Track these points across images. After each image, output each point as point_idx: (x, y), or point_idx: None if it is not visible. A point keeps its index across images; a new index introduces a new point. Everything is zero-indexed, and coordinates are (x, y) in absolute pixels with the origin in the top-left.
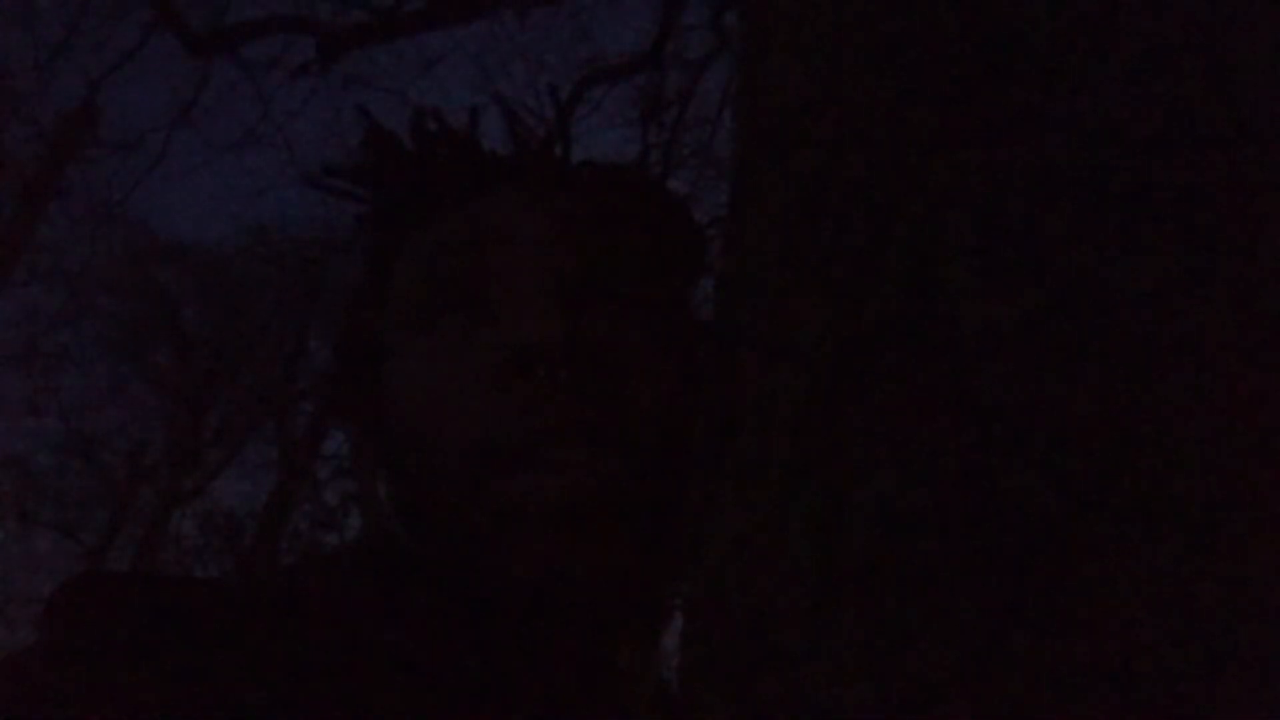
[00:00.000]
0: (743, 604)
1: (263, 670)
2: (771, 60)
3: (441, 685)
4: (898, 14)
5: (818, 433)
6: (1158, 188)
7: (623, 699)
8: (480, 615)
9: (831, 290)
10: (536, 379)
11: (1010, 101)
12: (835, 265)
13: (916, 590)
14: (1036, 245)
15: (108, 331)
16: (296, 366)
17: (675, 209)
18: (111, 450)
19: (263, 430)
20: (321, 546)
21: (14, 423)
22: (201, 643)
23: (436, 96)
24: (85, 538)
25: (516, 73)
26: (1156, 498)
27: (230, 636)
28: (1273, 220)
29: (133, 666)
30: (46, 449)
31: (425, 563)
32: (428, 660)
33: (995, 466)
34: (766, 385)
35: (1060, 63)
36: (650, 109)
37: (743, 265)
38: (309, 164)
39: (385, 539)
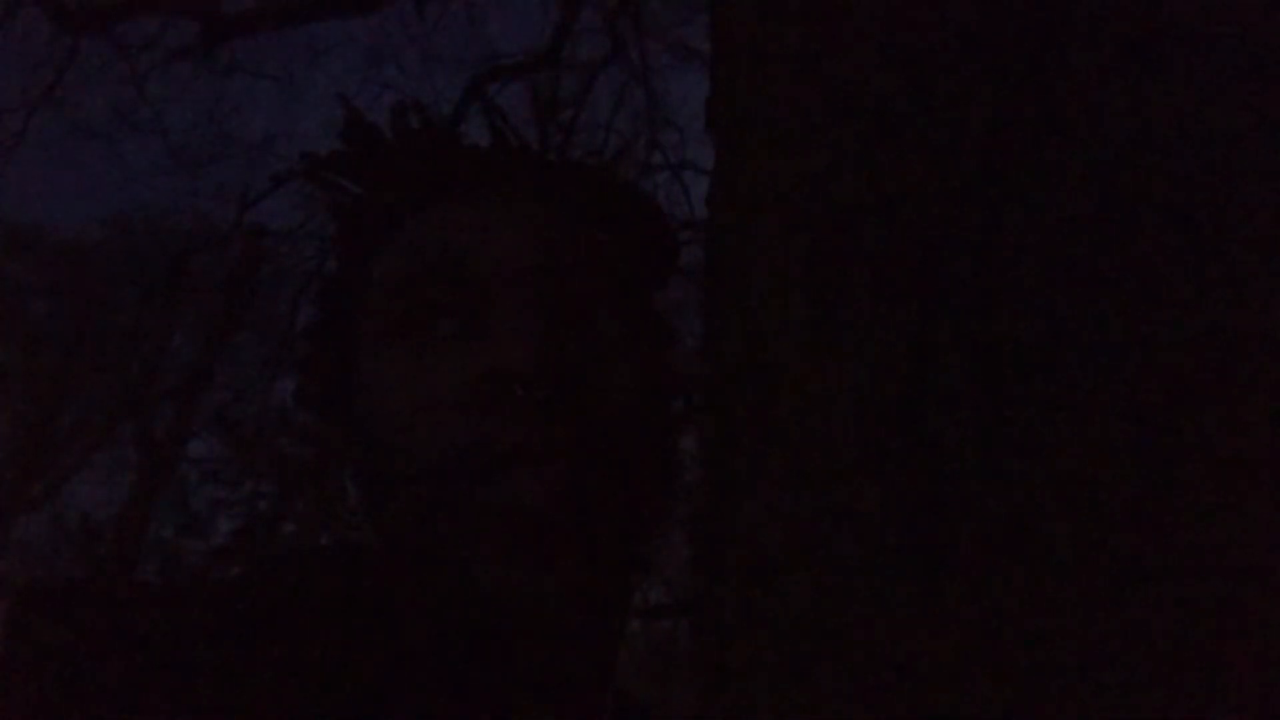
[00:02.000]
0: (808, 595)
1: (226, 676)
2: (769, 59)
3: (401, 690)
4: (931, 10)
5: (889, 424)
6: (1223, 187)
7: (588, 699)
8: (441, 620)
9: (885, 294)
10: (514, 400)
11: (1060, 109)
12: (886, 273)
13: (1020, 572)
14: (1103, 243)
15: None
16: (159, 365)
17: (651, 211)
18: None
19: (121, 431)
20: (305, 546)
21: None
22: (155, 650)
23: (325, 87)
24: None
25: (409, 65)
26: (1236, 472)
27: (191, 643)
28: None
29: (93, 677)
30: None
31: (391, 563)
32: (387, 665)
33: (1091, 463)
34: (816, 386)
35: (1110, 70)
36: (546, 109)
37: (758, 278)
38: (184, 152)
39: (348, 539)
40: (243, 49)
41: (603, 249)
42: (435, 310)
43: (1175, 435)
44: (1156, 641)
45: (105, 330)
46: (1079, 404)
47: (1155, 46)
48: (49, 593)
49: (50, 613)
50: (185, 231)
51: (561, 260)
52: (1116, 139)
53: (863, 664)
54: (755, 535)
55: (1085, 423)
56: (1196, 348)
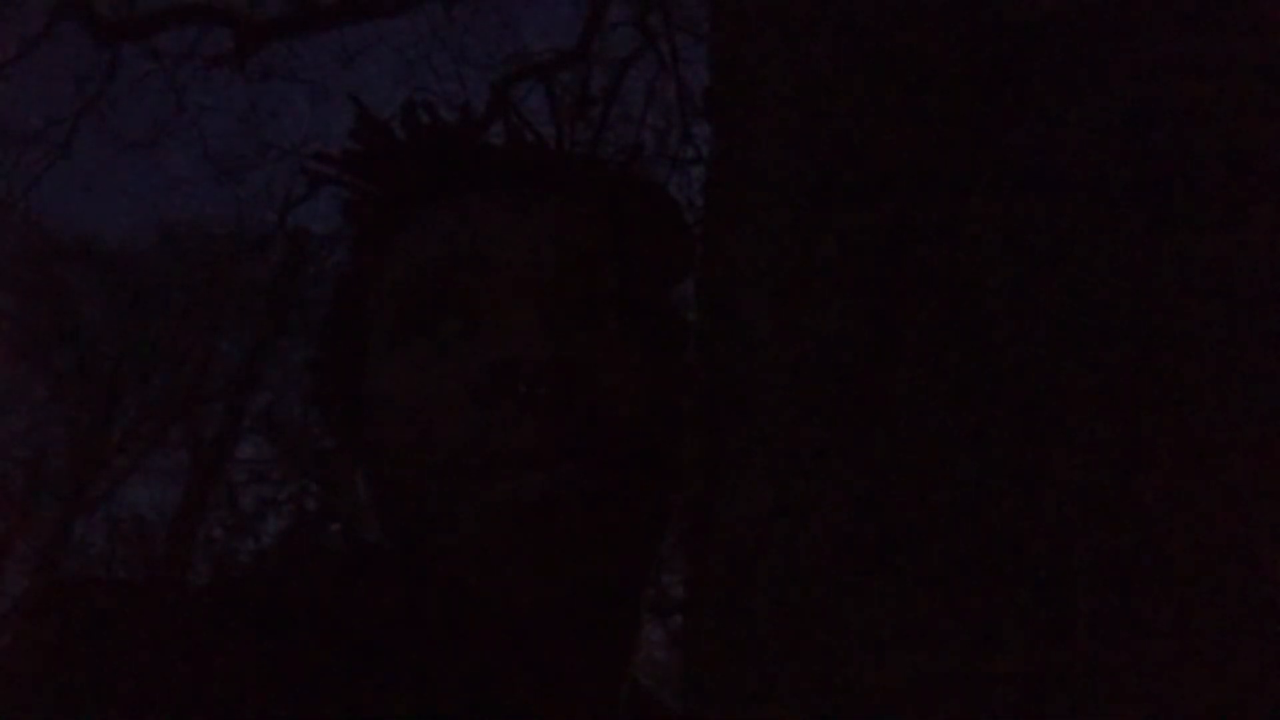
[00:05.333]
0: (780, 580)
1: (241, 673)
2: (759, 47)
3: (415, 686)
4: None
5: (854, 410)
6: (1175, 181)
7: (600, 700)
8: (453, 617)
9: (852, 279)
10: (517, 395)
11: (1026, 94)
12: (854, 256)
13: (971, 548)
14: (1059, 234)
15: (5, 332)
16: (207, 369)
17: (667, 207)
18: (10, 457)
19: (172, 434)
20: (300, 545)
21: None
22: (176, 646)
23: (358, 90)
24: None
25: (440, 66)
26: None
27: (207, 640)
28: None
29: (106, 670)
30: None
31: (401, 563)
32: (405, 663)
33: (1040, 439)
34: (784, 373)
35: (1076, 55)
36: (576, 106)
37: (739, 260)
38: (224, 159)
39: (359, 539)
40: (276, 55)
41: (615, 245)
42: (442, 307)
43: (1139, 422)
44: (1119, 632)
45: (154, 335)
46: (1044, 392)
47: (1120, 40)
48: (65, 588)
49: (63, 607)
50: (229, 236)
51: (570, 257)
52: (1083, 124)
53: (829, 646)
54: (734, 526)
55: (1051, 411)
56: (1161, 334)
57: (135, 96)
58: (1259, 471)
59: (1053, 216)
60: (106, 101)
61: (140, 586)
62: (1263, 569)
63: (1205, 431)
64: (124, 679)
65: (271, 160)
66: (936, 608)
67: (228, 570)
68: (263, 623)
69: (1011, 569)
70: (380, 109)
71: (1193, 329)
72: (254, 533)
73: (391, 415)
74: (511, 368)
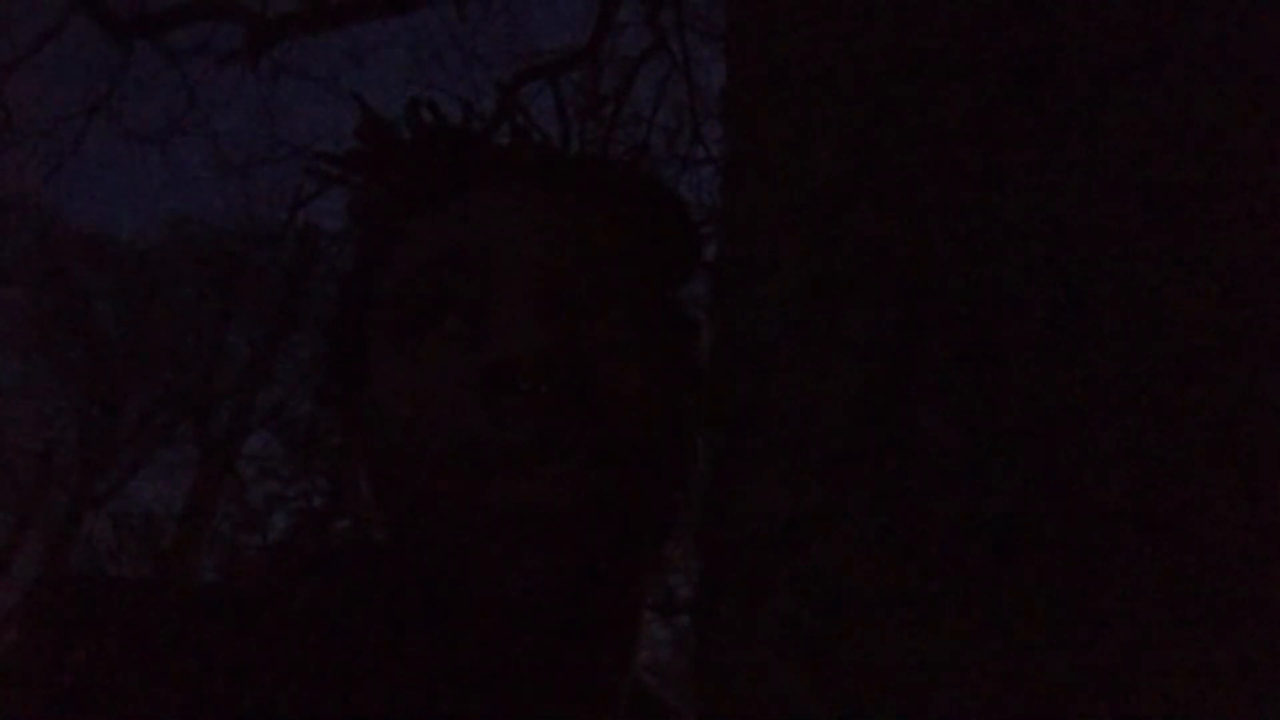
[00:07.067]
0: (795, 589)
1: (244, 672)
2: (776, 52)
3: (419, 687)
4: (929, 7)
5: (873, 418)
6: (1207, 192)
7: (601, 701)
8: (458, 617)
9: (872, 284)
10: (519, 393)
11: (1055, 103)
12: (874, 261)
13: (993, 560)
14: (1094, 237)
15: (16, 326)
16: (216, 364)
17: (674, 206)
18: (19, 450)
19: (181, 429)
20: (306, 544)
21: None
22: (181, 645)
23: (369, 87)
24: None
25: (451, 64)
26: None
27: (210, 639)
28: None
29: (110, 669)
30: None
31: (403, 563)
32: (405, 662)
33: (1068, 450)
34: (808, 377)
35: (1107, 65)
36: (587, 105)
37: (756, 265)
38: (235, 156)
39: (364, 538)
40: (288, 53)
41: (619, 243)
42: (445, 305)
43: (1169, 429)
44: (1146, 638)
45: (164, 330)
46: (1069, 397)
47: (1150, 47)
48: (66, 586)
49: (64, 606)
50: (239, 232)
51: (573, 255)
52: (1110, 134)
53: (843, 656)
54: (748, 535)
55: (1076, 416)
56: (1190, 342)
57: (147, 93)
58: None
59: (1088, 219)
60: (118, 98)
61: (140, 584)
62: None
63: (1243, 446)
64: (124, 677)
65: (282, 157)
66: (957, 621)
67: (232, 567)
68: (263, 621)
69: (1036, 582)
70: (391, 107)
71: (1238, 340)
72: (262, 528)
73: (393, 413)
74: (513, 367)
